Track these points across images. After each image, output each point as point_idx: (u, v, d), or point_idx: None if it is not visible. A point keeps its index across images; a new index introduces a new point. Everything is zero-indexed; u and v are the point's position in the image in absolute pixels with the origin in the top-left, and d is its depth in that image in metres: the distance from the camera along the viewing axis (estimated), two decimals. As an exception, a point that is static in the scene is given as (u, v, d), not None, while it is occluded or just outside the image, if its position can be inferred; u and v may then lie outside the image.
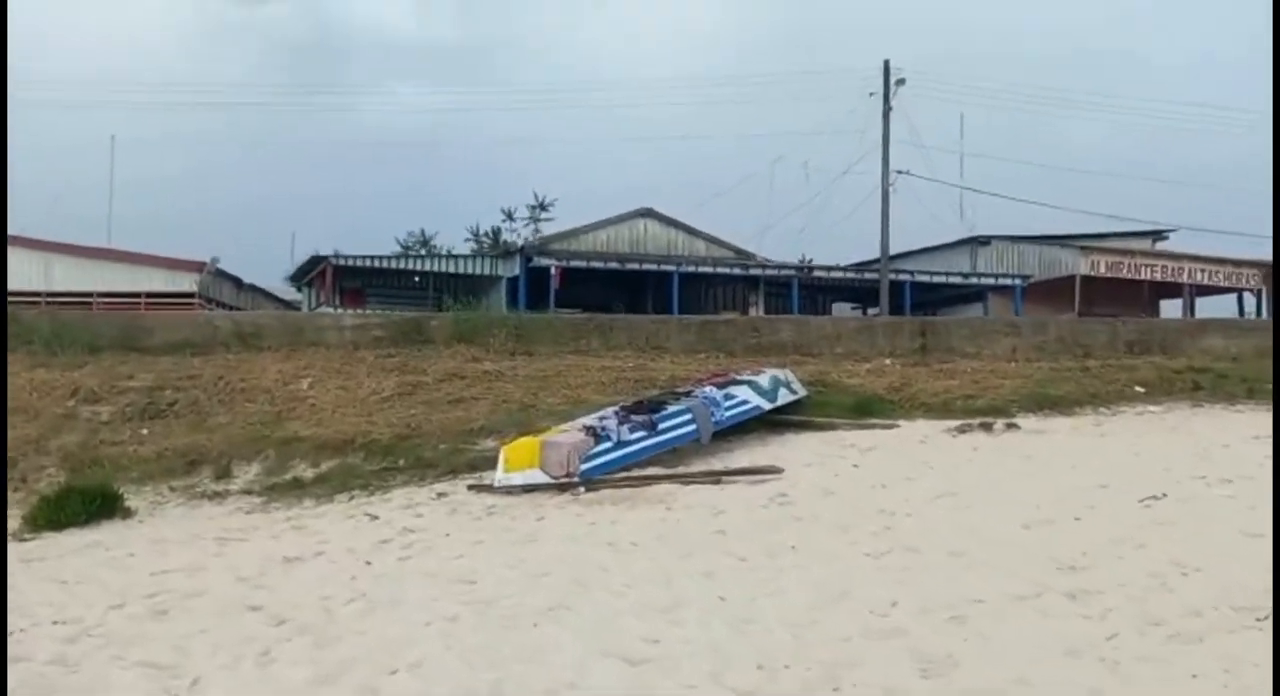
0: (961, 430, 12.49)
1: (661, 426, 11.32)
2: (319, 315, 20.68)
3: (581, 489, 10.20)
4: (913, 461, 10.46)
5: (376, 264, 31.47)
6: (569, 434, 10.73)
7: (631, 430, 10.98)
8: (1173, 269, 30.61)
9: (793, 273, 29.07)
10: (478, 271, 30.67)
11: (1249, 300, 32.84)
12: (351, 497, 11.88)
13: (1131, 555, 6.07)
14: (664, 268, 28.08)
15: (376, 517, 9.84)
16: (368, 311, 20.50)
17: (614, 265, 28.15)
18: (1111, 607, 5.13)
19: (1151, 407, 13.79)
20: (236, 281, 32.06)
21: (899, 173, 27.41)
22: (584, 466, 10.33)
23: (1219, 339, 17.05)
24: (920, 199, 28.89)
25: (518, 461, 10.60)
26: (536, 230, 64.23)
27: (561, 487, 10.31)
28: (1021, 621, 5.03)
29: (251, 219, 63.51)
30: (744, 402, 12.86)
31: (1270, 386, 13.59)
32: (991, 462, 10.06)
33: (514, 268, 29.47)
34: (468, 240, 53.70)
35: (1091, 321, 18.98)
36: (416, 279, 33.36)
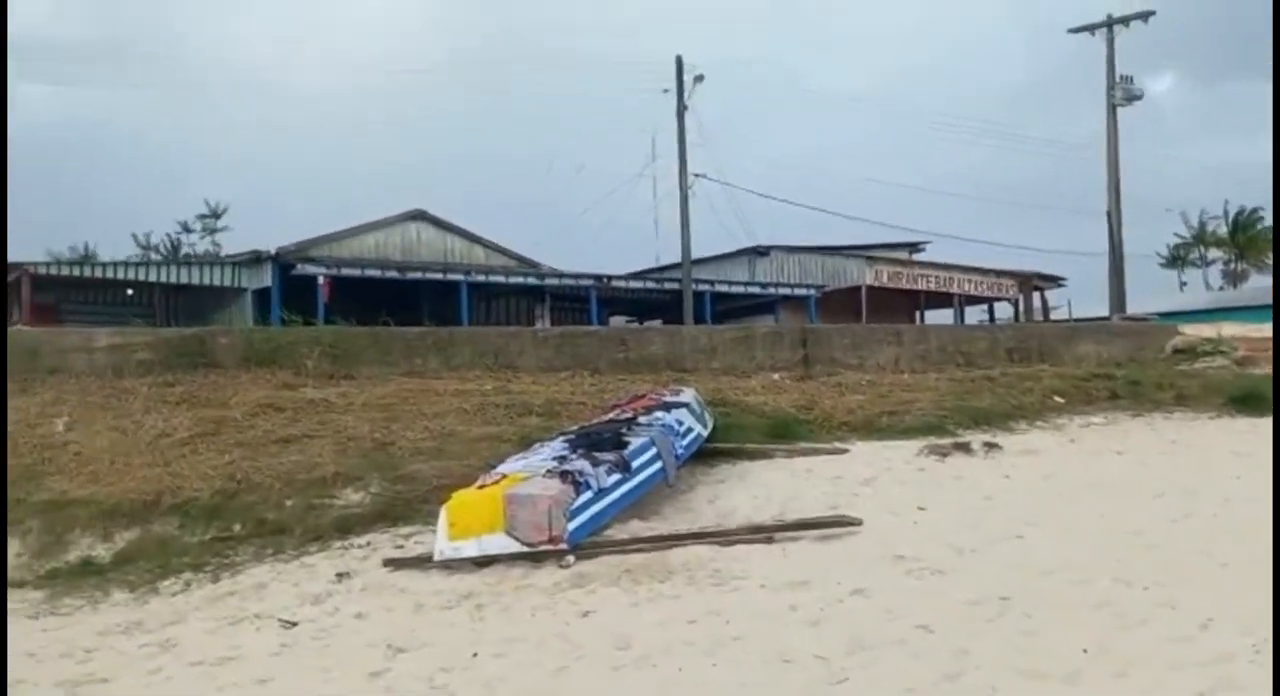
0: (938, 452, 10.80)
1: (634, 466, 8.75)
2: (60, 333, 16.07)
3: (571, 558, 7.47)
4: (964, 497, 8.57)
5: (83, 272, 26.14)
6: (537, 481, 7.93)
7: (608, 473, 8.34)
8: (944, 279, 31.30)
9: (590, 283, 26.84)
10: (215, 282, 26.12)
11: (1001, 308, 34.34)
12: (187, 585, 8.55)
13: None
14: (450, 277, 24.97)
15: (293, 624, 6.64)
16: (128, 328, 16.16)
17: (393, 274, 24.70)
18: None
19: (1094, 420, 12.79)
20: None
21: (696, 176, 25.98)
22: (570, 526, 7.59)
23: (1091, 345, 16.62)
24: (710, 207, 27.59)
25: (470, 523, 7.69)
26: (215, 242, 58.22)
27: (537, 558, 7.52)
28: None
29: None
30: (690, 430, 10.50)
31: (1206, 396, 12.96)
32: (1069, 494, 8.32)
33: (264, 277, 25.31)
34: (135, 255, 48.04)
35: (970, 328, 18.18)
36: (130, 291, 28.17)
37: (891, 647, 4.88)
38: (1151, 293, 49.72)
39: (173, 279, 26.68)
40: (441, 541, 7.73)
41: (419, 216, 27.48)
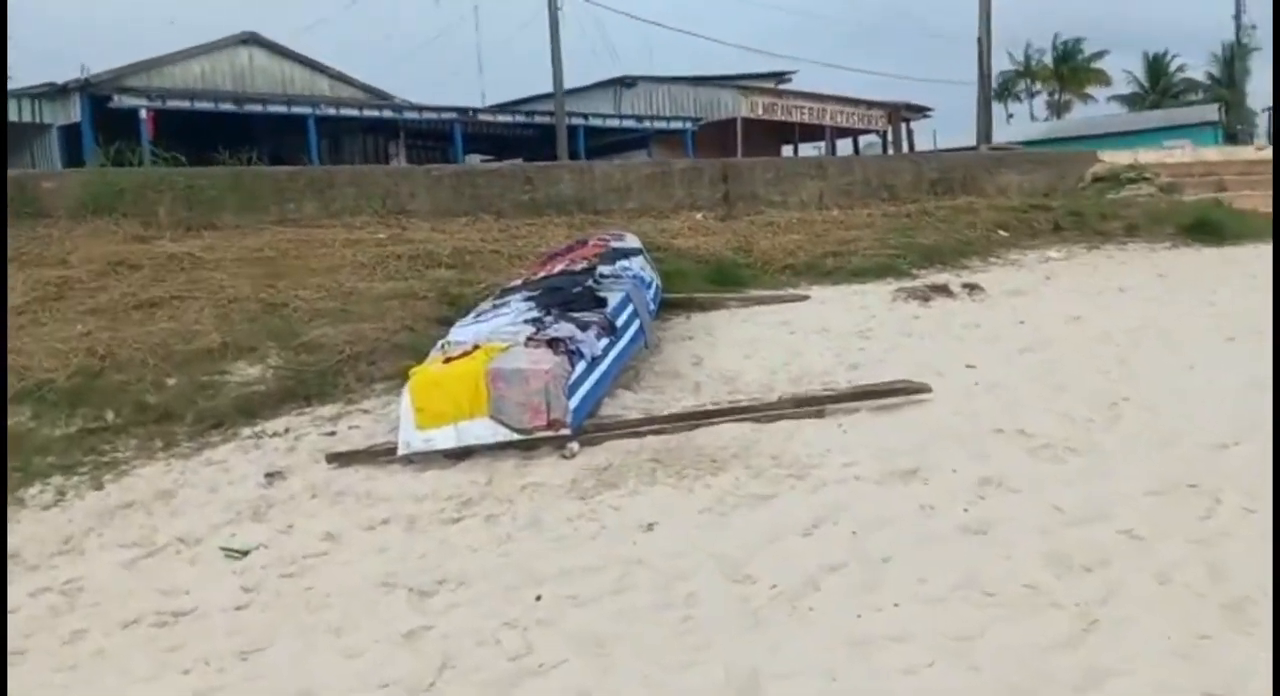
0: (918, 296, 9.82)
1: (617, 326, 7.32)
2: None
3: (575, 445, 6.09)
4: (997, 349, 7.56)
5: None
6: (521, 352, 6.39)
7: (597, 337, 6.89)
8: (817, 110, 30.11)
9: (454, 117, 24.36)
10: (12, 118, 22.39)
11: (865, 140, 33.65)
12: (60, 494, 6.86)
13: None
14: (296, 110, 22.09)
15: (243, 553, 5.06)
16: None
17: (229, 106, 21.63)
18: None
19: (1050, 254, 12.03)
20: None
21: (566, -5, 23.55)
22: (569, 405, 6.16)
23: (1014, 175, 15.85)
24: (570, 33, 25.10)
25: (443, 407, 6.15)
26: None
27: (528, 446, 6.11)
28: None
29: None
30: (652, 282, 9.12)
31: (1154, 225, 12.36)
32: (1121, 343, 7.40)
33: (71, 112, 21.87)
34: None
35: (894, 159, 17.11)
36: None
37: (1118, 568, 3.77)
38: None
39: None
40: (407, 430, 6.19)
41: (251, 40, 24.09)
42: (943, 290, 9.87)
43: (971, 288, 9.91)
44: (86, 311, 9.53)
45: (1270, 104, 38.97)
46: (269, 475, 6.46)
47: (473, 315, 7.83)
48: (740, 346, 8.51)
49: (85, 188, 11.91)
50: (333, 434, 7.35)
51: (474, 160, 31.03)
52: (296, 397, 8.19)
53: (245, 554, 5.06)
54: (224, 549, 5.12)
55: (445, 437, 6.13)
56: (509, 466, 5.98)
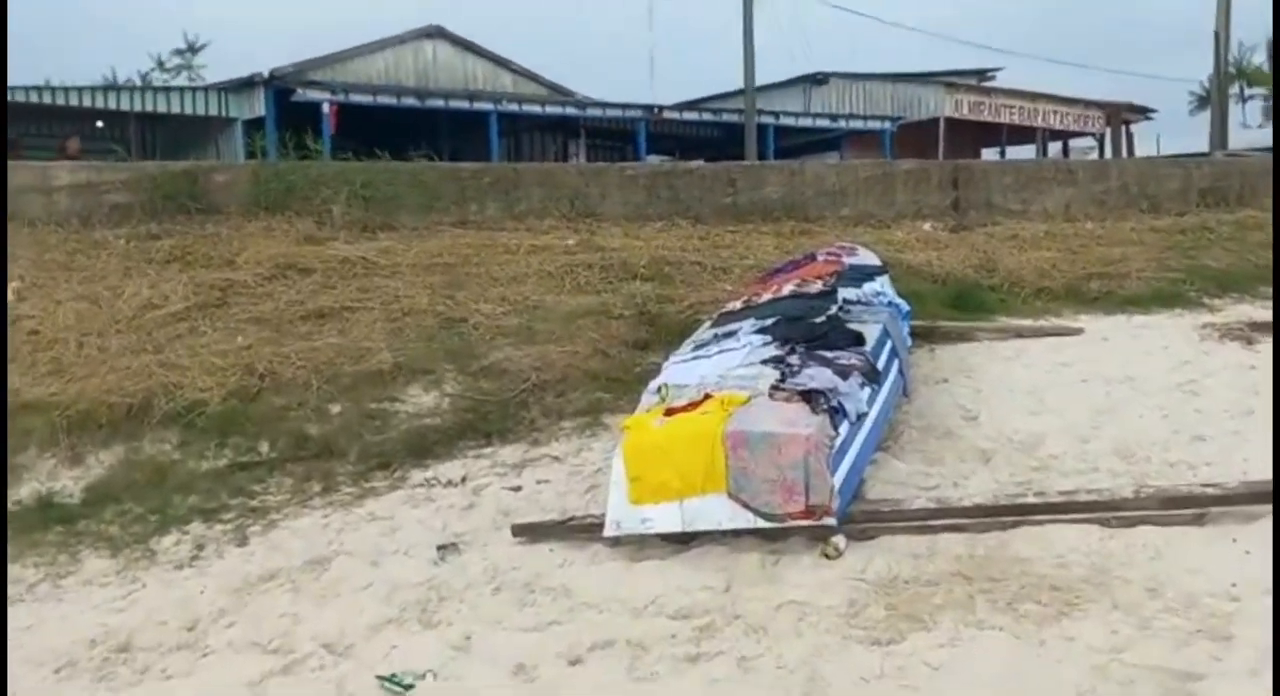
0: (1235, 336, 7.83)
1: (878, 371, 5.66)
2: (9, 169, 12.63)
3: (842, 540, 4.48)
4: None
5: (42, 99, 22.22)
6: (766, 407, 4.81)
7: (860, 386, 5.25)
8: (1029, 111, 27.50)
9: (639, 114, 23.10)
10: (200, 111, 22.33)
11: (1077, 145, 30.80)
12: (198, 548, 5.90)
13: None
14: (478, 106, 21.22)
15: (407, 687, 3.67)
16: (96, 162, 12.77)
17: (411, 101, 20.92)
18: None
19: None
20: None
21: (762, -12, 21.92)
22: (835, 483, 4.54)
23: (1304, 183, 13.39)
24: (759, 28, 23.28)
25: (665, 478, 4.64)
26: (191, 78, 53.33)
27: (774, 535, 4.54)
28: None
29: None
30: (908, 313, 7.40)
31: None
32: None
33: (257, 105, 21.54)
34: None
35: (1157, 163, 14.87)
36: (100, 124, 24.40)
37: None
38: (1189, 133, 45.19)
39: (150, 107, 22.83)
40: (618, 505, 4.72)
41: (436, 34, 23.42)
42: (1265, 329, 7.81)
43: (1307, 326, 7.80)
44: (249, 320, 8.53)
45: None
46: (442, 548, 5.17)
47: (690, 347, 6.32)
48: (1018, 396, 6.74)
49: (256, 181, 11.00)
50: (517, 488, 6.04)
51: (653, 161, 29.79)
52: (475, 434, 6.96)
53: (409, 687, 3.67)
54: (382, 680, 3.73)
55: (667, 518, 4.64)
56: (752, 564, 4.45)
